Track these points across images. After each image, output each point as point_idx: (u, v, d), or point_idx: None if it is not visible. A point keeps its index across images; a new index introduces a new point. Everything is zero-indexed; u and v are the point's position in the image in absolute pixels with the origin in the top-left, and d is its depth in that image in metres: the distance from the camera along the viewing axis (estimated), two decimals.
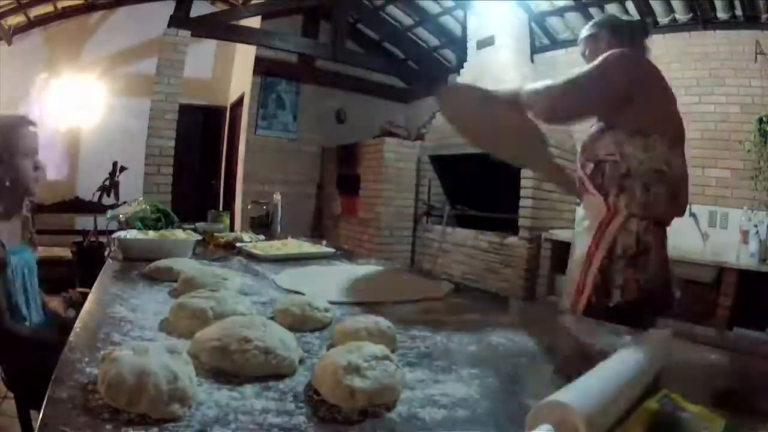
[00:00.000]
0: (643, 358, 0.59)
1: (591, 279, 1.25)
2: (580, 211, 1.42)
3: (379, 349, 0.58)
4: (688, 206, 1.33)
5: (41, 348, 1.25)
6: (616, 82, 1.26)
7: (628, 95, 1.26)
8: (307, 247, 1.72)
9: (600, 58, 1.29)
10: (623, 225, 1.25)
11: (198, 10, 4.42)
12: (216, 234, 1.84)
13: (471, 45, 4.61)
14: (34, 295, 1.45)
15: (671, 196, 1.27)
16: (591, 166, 1.32)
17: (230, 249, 1.69)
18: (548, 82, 1.33)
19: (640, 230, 1.23)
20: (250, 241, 1.74)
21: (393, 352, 0.65)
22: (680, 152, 1.30)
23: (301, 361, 0.63)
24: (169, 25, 4.17)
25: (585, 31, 1.48)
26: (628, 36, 1.40)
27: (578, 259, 1.32)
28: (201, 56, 5.72)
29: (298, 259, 1.56)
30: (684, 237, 3.24)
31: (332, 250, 1.71)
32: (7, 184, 1.35)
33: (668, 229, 1.30)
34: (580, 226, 1.39)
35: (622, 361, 0.57)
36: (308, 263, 1.49)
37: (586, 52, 1.46)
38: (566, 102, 1.30)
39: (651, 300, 1.24)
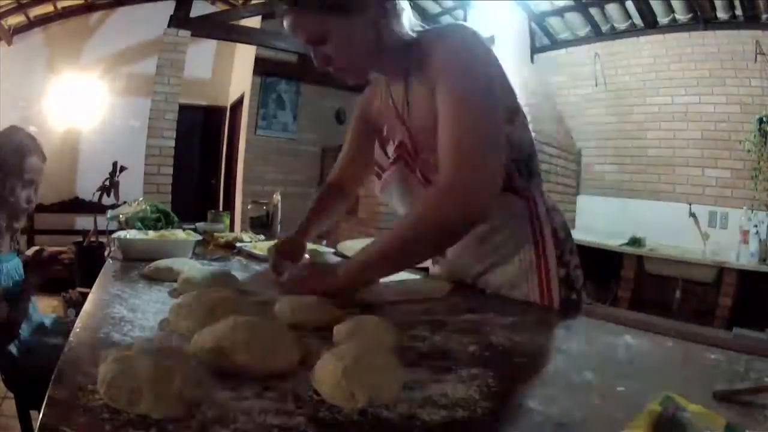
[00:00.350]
0: None
1: None
2: None
3: (379, 349, 0.58)
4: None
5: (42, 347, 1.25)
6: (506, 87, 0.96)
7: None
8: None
9: (456, 59, 0.87)
10: None
11: (198, 10, 4.42)
12: (216, 234, 1.84)
13: None
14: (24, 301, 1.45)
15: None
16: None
17: (230, 249, 1.69)
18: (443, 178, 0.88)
19: None
20: (250, 241, 1.73)
21: (393, 352, 0.65)
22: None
23: (301, 361, 0.63)
24: (169, 25, 4.17)
25: None
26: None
27: None
28: (201, 56, 5.72)
29: None
30: (684, 237, 3.24)
31: (332, 250, 1.71)
32: (12, 199, 1.37)
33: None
34: None
35: None
36: None
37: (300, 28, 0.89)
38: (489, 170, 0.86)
39: None
